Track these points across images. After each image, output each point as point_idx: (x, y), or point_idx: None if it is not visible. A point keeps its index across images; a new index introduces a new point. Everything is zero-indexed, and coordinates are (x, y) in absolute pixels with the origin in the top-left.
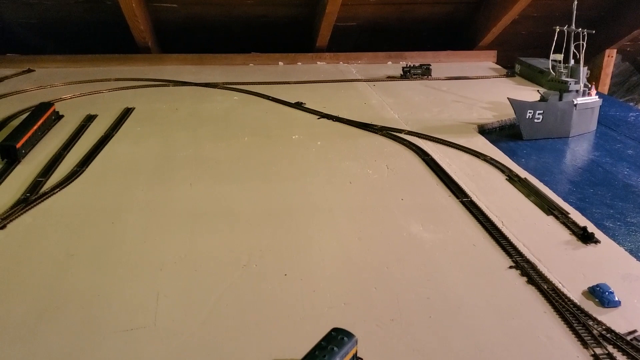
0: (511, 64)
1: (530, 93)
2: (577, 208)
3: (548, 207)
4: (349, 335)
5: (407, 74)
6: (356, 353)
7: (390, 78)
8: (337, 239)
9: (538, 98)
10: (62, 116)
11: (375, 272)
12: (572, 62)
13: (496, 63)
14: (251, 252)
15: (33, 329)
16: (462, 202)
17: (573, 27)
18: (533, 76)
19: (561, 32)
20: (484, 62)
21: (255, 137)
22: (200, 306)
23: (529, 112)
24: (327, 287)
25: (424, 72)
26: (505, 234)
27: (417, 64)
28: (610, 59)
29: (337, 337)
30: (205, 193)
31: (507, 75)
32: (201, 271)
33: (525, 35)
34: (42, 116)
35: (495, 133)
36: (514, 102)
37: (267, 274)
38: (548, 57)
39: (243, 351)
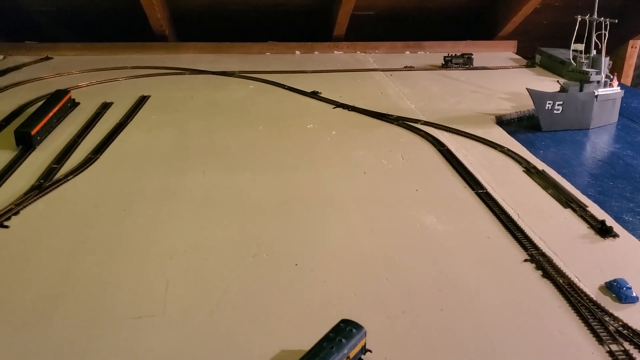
0: (531, 54)
1: (550, 84)
2: (596, 201)
3: (566, 200)
4: (358, 327)
5: (448, 63)
6: (365, 345)
7: (408, 68)
8: (349, 229)
9: (558, 89)
10: (78, 103)
11: (387, 264)
12: (593, 52)
13: (516, 53)
14: (262, 241)
15: (44, 314)
16: (478, 194)
17: (595, 16)
18: (553, 67)
19: (583, 22)
20: (503, 52)
21: (269, 126)
22: (210, 295)
23: (549, 103)
24: (338, 277)
25: (466, 61)
26: (521, 226)
27: (458, 54)
28: (634, 50)
29: (346, 329)
30: (218, 182)
31: (527, 66)
32: (211, 260)
33: (546, 25)
34: (57, 103)
35: (513, 124)
36: (533, 93)
37: (278, 263)
38: (569, 48)
39: (251, 341)
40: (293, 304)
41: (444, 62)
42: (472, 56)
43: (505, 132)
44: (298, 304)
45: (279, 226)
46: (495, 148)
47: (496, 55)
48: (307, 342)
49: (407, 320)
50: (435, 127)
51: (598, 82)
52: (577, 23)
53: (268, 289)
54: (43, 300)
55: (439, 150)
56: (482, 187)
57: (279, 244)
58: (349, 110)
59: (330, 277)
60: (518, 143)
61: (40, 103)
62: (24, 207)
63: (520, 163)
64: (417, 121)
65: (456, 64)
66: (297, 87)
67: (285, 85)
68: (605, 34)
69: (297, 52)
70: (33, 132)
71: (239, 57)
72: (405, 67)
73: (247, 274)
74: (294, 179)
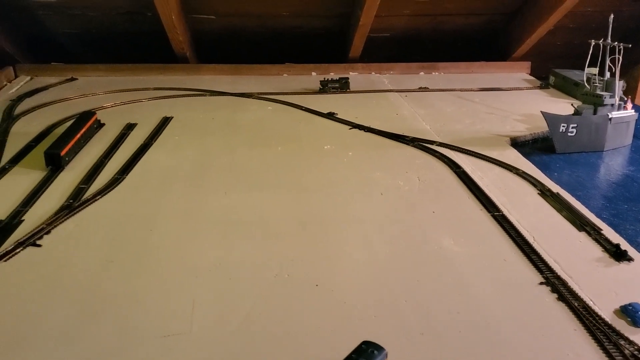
0: (545, 75)
1: (564, 106)
2: (611, 224)
3: (580, 223)
4: (379, 348)
5: (325, 87)
6: None
7: (423, 89)
8: (368, 250)
9: (572, 111)
10: (104, 124)
11: (406, 285)
12: (607, 75)
13: (530, 74)
14: (283, 261)
15: (75, 331)
16: (494, 216)
17: (609, 40)
18: (568, 88)
19: (597, 45)
20: (517, 73)
21: (288, 147)
22: (234, 314)
23: (563, 126)
24: (358, 299)
25: (342, 85)
26: (536, 249)
27: (335, 77)
28: None
29: (368, 350)
30: (239, 201)
31: (541, 87)
32: (235, 279)
33: (560, 46)
34: (84, 125)
35: (528, 146)
36: (547, 116)
37: (299, 284)
38: (583, 69)
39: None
40: (315, 324)
41: (321, 87)
42: (349, 79)
43: (520, 154)
44: (320, 325)
45: (298, 246)
46: (511, 170)
47: (510, 77)
48: None
49: (427, 342)
50: (450, 149)
51: (612, 105)
52: (591, 47)
53: (290, 309)
54: (76, 317)
55: (455, 172)
56: (498, 209)
57: (299, 264)
58: (364, 131)
59: (350, 298)
60: (533, 165)
61: (67, 124)
62: (55, 226)
63: (535, 185)
64: (432, 142)
65: (333, 87)
66: (313, 108)
67: (303, 107)
68: (619, 58)
69: (314, 74)
70: (62, 153)
71: (257, 79)
72: (420, 88)
73: (270, 293)
74: (313, 199)
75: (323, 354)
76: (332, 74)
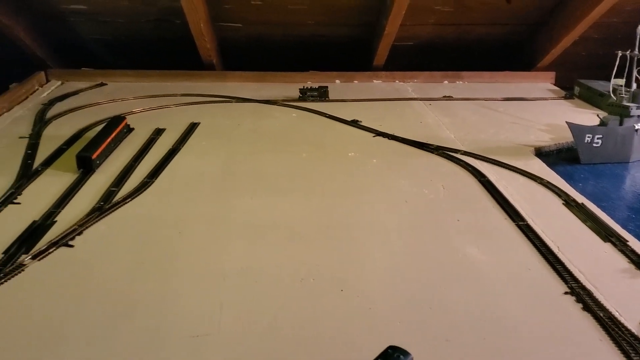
0: (570, 86)
1: (589, 116)
2: (636, 235)
3: (605, 234)
4: (405, 353)
5: (304, 95)
6: None
7: (447, 97)
8: (393, 256)
9: (597, 122)
10: (133, 129)
11: (431, 292)
12: (634, 86)
13: (555, 84)
14: (308, 266)
15: (107, 329)
16: (518, 226)
17: (636, 51)
18: (593, 99)
19: (623, 56)
20: (541, 83)
21: (312, 153)
22: (261, 316)
23: (588, 136)
24: (383, 304)
25: (321, 94)
26: (561, 259)
27: (315, 86)
28: None
29: (394, 355)
30: (265, 206)
31: (565, 97)
32: (261, 283)
33: (585, 57)
34: (115, 129)
35: (552, 156)
36: (572, 126)
37: (324, 288)
38: (609, 79)
39: None
40: (340, 328)
41: (300, 94)
42: (327, 88)
43: (544, 164)
44: (345, 329)
45: (323, 251)
46: (535, 180)
47: (534, 86)
48: None
49: (451, 348)
50: (475, 158)
51: (638, 116)
52: (618, 58)
53: (316, 313)
54: (107, 316)
55: (480, 181)
56: (522, 219)
57: (325, 269)
58: (388, 138)
59: (375, 303)
60: (557, 175)
61: (97, 128)
62: (87, 227)
63: (559, 195)
64: (457, 151)
65: (312, 96)
66: (337, 116)
67: (327, 114)
68: None
69: (337, 81)
70: (94, 156)
71: (282, 86)
72: (444, 96)
73: (296, 297)
74: (338, 204)
75: (349, 358)
76: (309, 82)
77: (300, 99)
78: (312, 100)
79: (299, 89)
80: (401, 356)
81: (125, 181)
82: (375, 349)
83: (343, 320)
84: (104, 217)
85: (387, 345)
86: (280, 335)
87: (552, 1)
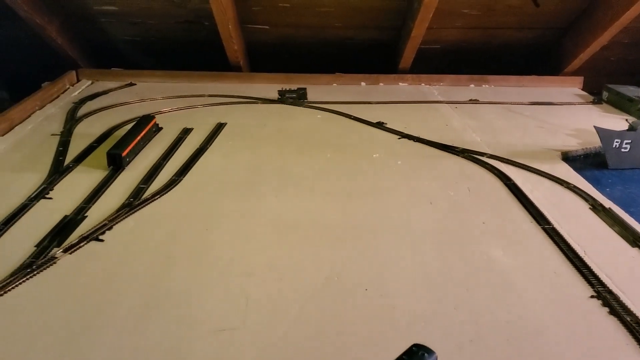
0: (598, 91)
1: (618, 121)
2: None
3: (634, 239)
4: (430, 352)
5: (283, 96)
6: None
7: (473, 101)
8: (417, 257)
9: (626, 127)
10: (162, 128)
11: (455, 293)
12: None
13: (582, 89)
14: (332, 265)
15: (137, 322)
16: (544, 229)
17: None
18: (621, 104)
19: None
20: (569, 88)
21: (337, 154)
22: (286, 312)
23: (616, 141)
24: (407, 304)
25: (300, 96)
26: (587, 263)
27: (294, 88)
28: None
29: (418, 353)
30: (290, 205)
31: (593, 102)
32: (286, 280)
33: (614, 62)
34: (144, 128)
35: (579, 161)
36: (600, 131)
37: (348, 287)
38: (638, 85)
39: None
40: (364, 327)
41: (279, 96)
42: (306, 90)
43: (571, 169)
44: (369, 328)
45: (348, 251)
46: (562, 184)
47: (562, 91)
48: None
49: (475, 349)
50: (501, 161)
51: None
52: None
53: (340, 311)
54: (137, 310)
55: (506, 184)
56: (548, 222)
57: (349, 269)
58: (414, 141)
59: (399, 303)
60: (584, 180)
61: (127, 126)
62: (117, 223)
63: (586, 200)
64: (482, 154)
65: (291, 97)
66: (362, 118)
67: (352, 116)
68: None
69: (363, 84)
70: (123, 153)
71: (308, 88)
72: (470, 100)
73: (320, 295)
74: (362, 204)
75: (372, 355)
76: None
77: (279, 100)
78: (291, 103)
79: (278, 90)
80: (425, 354)
81: (154, 179)
82: (399, 347)
83: (367, 319)
84: (133, 213)
85: (412, 343)
86: (305, 330)
87: (580, 5)
